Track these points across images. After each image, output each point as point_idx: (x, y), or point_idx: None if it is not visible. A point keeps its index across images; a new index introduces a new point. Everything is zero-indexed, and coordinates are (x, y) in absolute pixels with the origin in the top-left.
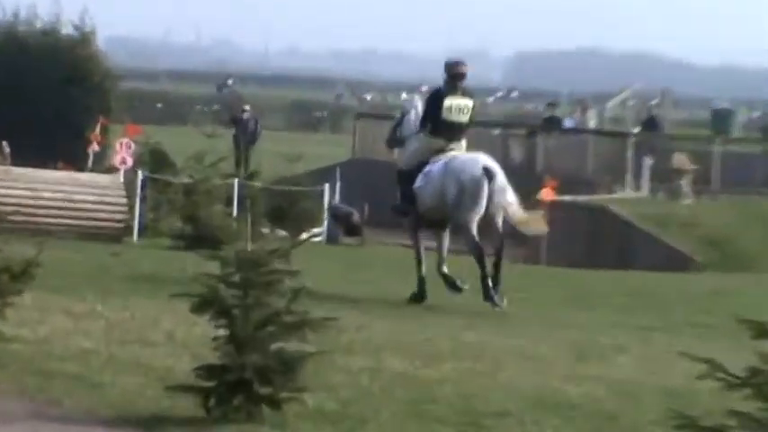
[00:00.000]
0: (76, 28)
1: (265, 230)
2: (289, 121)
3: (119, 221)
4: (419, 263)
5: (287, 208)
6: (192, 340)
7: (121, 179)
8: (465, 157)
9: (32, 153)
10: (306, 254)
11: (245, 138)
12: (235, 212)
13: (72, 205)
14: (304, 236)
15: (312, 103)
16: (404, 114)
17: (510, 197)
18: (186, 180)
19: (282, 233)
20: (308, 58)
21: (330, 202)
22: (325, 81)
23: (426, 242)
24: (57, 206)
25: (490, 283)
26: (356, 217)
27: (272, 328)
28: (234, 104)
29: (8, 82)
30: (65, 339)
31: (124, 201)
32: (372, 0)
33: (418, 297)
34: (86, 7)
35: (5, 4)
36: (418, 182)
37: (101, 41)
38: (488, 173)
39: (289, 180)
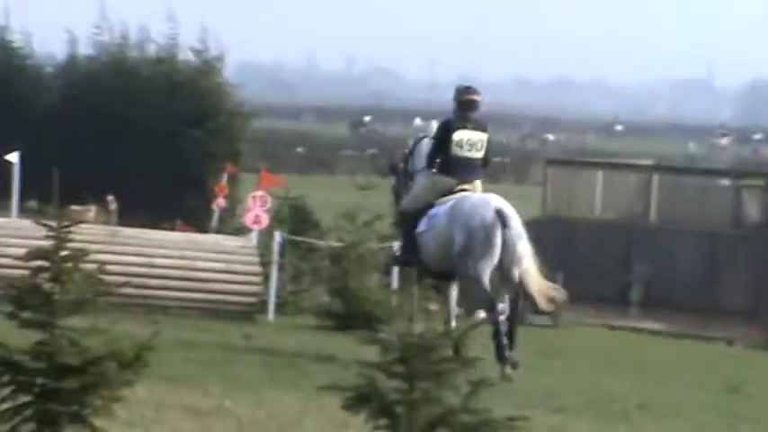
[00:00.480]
0: (198, 54)
1: (434, 307)
2: None
3: (251, 295)
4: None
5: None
6: None
7: (254, 242)
8: (475, 198)
9: (144, 210)
10: (485, 337)
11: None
12: (395, 284)
13: (193, 275)
14: (482, 314)
15: (492, 145)
16: (416, 144)
17: (525, 249)
18: (335, 243)
19: (457, 310)
20: (486, 89)
21: None
22: (508, 118)
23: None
24: (175, 276)
25: (505, 342)
26: None
27: (445, 430)
28: (393, 149)
29: (115, 121)
30: None
31: (257, 269)
32: (567, 22)
33: None
34: (210, 28)
35: (113, 25)
36: (421, 226)
37: (229, 70)
38: (502, 217)
39: None
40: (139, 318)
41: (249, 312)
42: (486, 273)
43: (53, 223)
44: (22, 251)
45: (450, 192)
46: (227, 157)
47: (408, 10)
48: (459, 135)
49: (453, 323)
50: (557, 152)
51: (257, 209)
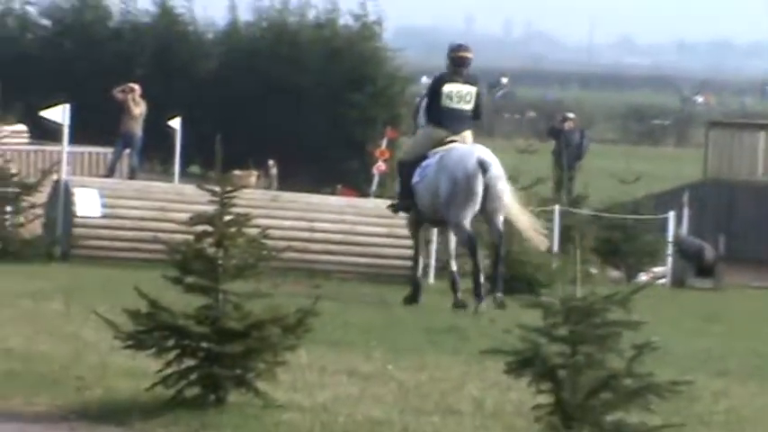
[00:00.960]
0: (357, 18)
1: (595, 270)
2: (623, 132)
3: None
4: (415, 263)
5: (622, 241)
6: (507, 409)
7: None
8: (461, 149)
9: (305, 174)
10: (647, 300)
11: (568, 153)
12: (556, 247)
13: (354, 239)
14: (644, 277)
15: (651, 108)
16: (420, 101)
17: (504, 187)
18: None
19: (617, 274)
20: (646, 52)
21: (676, 235)
22: (667, 80)
23: None
24: (336, 240)
25: (482, 279)
26: (709, 253)
27: (609, 394)
28: (553, 112)
29: (275, 85)
30: (350, 407)
31: None
32: None
33: (411, 300)
34: None
35: None
36: (415, 177)
37: (388, 34)
38: (483, 165)
39: (624, 206)
40: (301, 282)
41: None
42: (468, 218)
43: (216, 188)
44: (185, 216)
45: (442, 143)
46: (386, 121)
47: None
48: (448, 88)
49: (454, 264)
50: (710, 114)
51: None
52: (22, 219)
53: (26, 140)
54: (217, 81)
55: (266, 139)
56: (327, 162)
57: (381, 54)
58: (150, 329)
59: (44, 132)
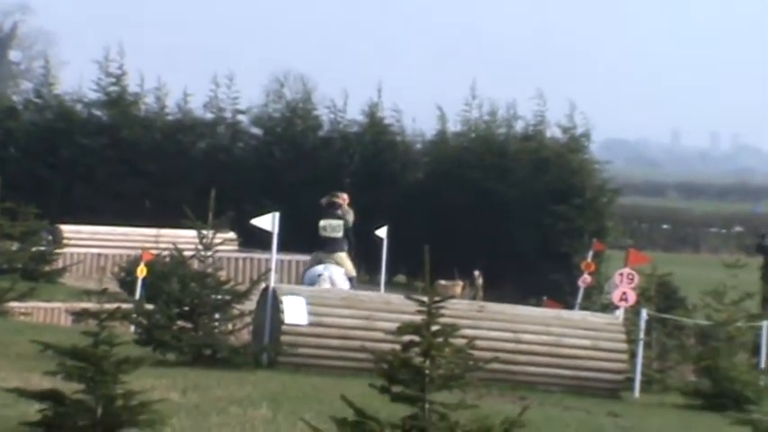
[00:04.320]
0: (565, 130)
1: None
2: None
3: (617, 372)
4: None
5: None
6: None
7: (621, 319)
8: (311, 271)
9: (510, 285)
10: None
11: None
12: (763, 363)
13: (560, 351)
14: None
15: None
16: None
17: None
18: (702, 322)
19: None
20: None
21: None
22: None
23: None
24: (542, 352)
25: None
26: None
27: None
28: (760, 227)
29: (481, 196)
30: None
31: (623, 347)
32: None
33: None
34: (577, 105)
35: (482, 102)
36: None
37: (594, 146)
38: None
39: None
40: (506, 394)
41: (615, 390)
42: None
43: (424, 298)
44: (391, 325)
45: (320, 262)
46: (593, 233)
47: None
48: (323, 222)
49: None
50: None
51: (624, 286)
52: (231, 326)
53: (236, 248)
54: (424, 191)
55: (472, 248)
56: (533, 273)
57: (588, 166)
58: None
59: (253, 240)
